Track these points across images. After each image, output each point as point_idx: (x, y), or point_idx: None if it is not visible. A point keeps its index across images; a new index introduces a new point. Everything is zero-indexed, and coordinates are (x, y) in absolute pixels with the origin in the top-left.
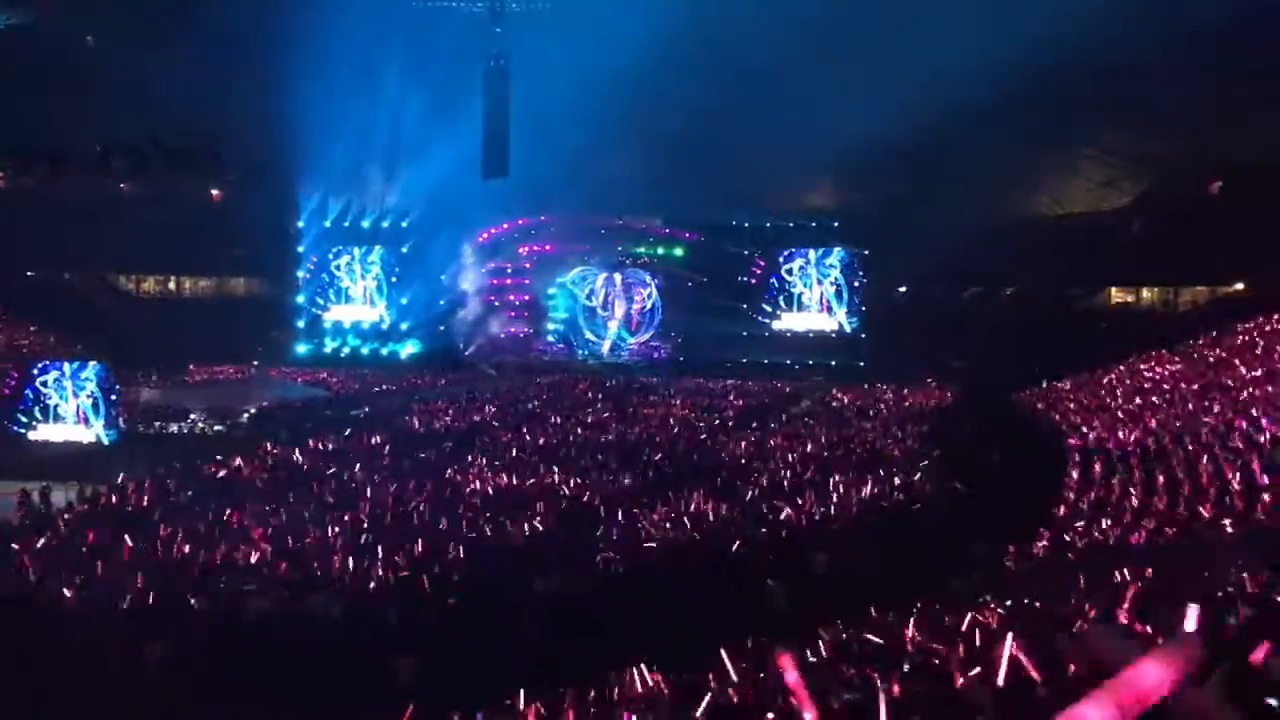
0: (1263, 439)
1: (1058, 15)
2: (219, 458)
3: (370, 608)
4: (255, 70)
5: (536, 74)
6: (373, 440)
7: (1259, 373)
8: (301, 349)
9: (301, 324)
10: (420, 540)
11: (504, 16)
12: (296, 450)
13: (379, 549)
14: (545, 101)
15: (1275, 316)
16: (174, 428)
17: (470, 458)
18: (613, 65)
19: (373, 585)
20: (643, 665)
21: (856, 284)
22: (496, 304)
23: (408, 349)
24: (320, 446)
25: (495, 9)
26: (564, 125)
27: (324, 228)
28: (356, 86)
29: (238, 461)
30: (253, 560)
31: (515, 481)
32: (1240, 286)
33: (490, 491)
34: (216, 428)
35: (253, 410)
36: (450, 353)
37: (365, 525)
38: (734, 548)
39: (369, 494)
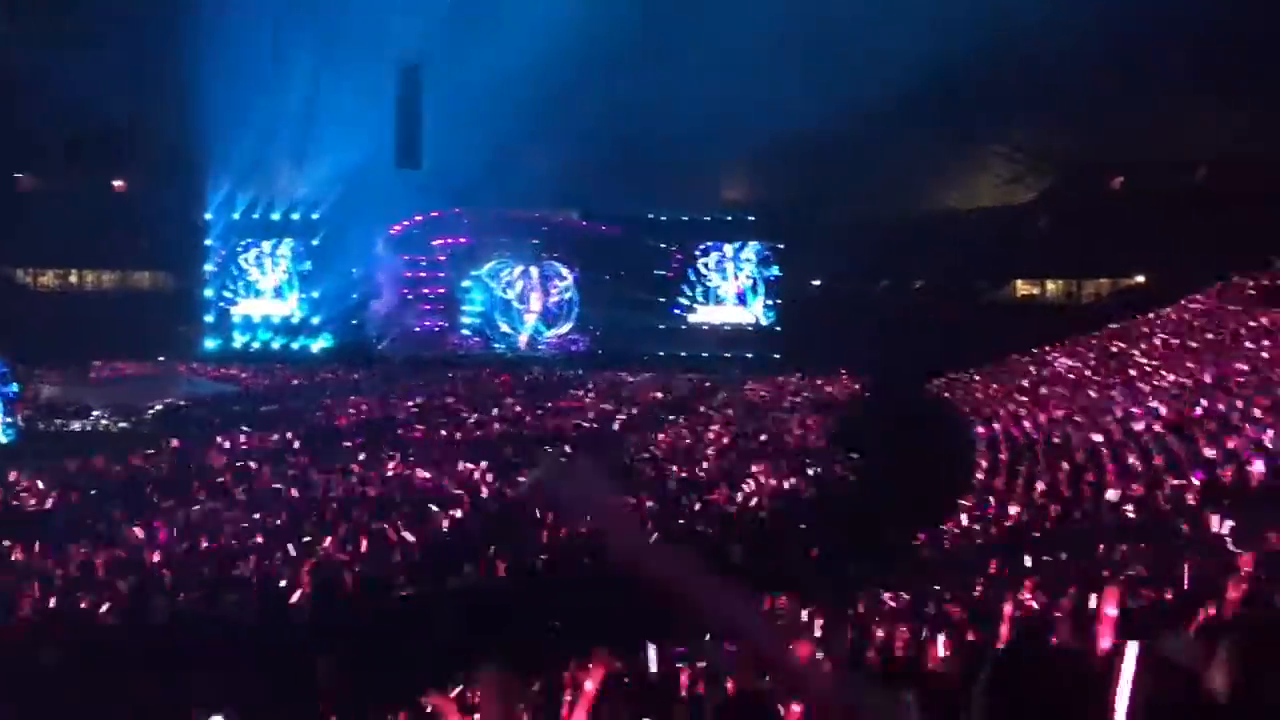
0: (1159, 426)
1: (966, 14)
2: (124, 455)
3: (285, 607)
4: (162, 61)
5: (451, 64)
6: (284, 436)
7: (1158, 362)
8: (210, 344)
9: (210, 318)
10: (334, 538)
11: (417, 6)
12: (205, 447)
13: (292, 547)
14: (460, 92)
15: (1173, 307)
16: (76, 425)
17: (385, 453)
18: (529, 57)
19: (285, 584)
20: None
21: (771, 278)
22: (410, 297)
23: (319, 343)
24: (230, 443)
25: (409, 1)
26: (479, 117)
27: (232, 220)
28: (266, 77)
29: (144, 459)
30: (159, 561)
31: (431, 477)
32: (1141, 279)
33: (405, 487)
34: (121, 425)
35: (159, 407)
36: (363, 347)
37: (278, 523)
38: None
39: (281, 492)
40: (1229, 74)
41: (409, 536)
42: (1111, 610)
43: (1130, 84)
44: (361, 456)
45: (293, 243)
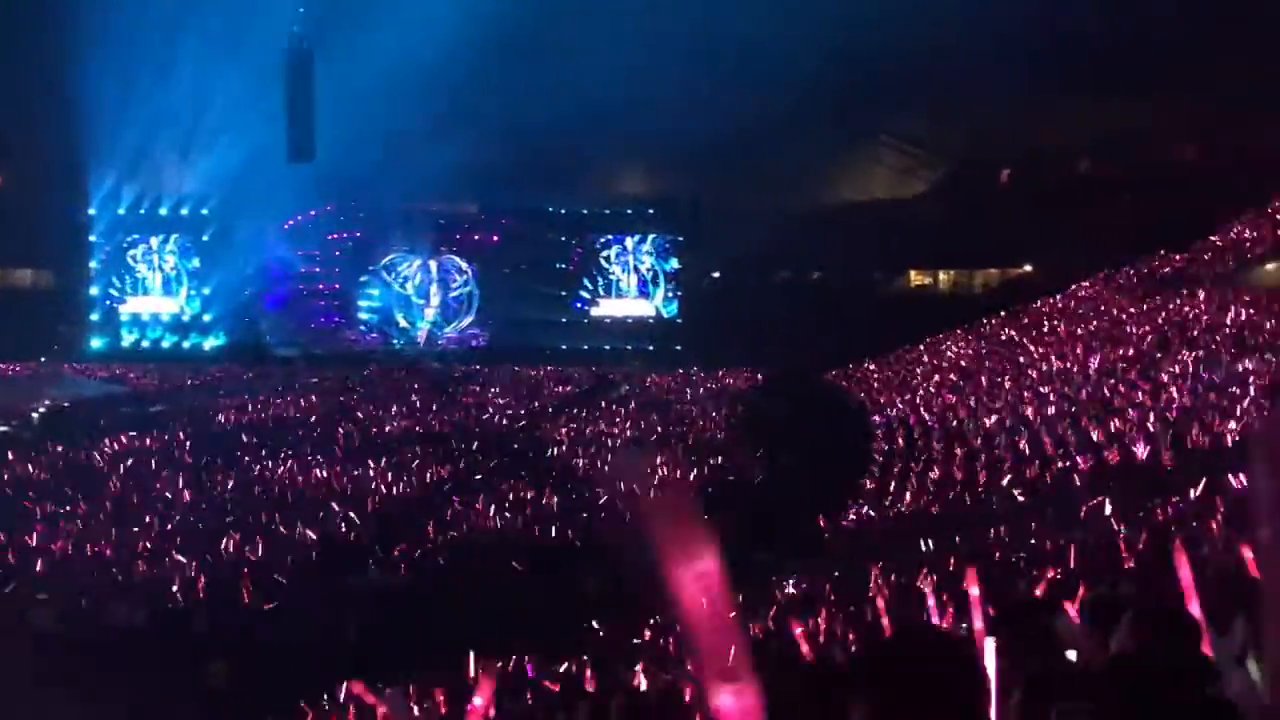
0: (1050, 410)
1: (860, 9)
2: (5, 460)
3: (176, 613)
4: (40, 51)
5: (345, 55)
6: (175, 438)
7: (1045, 348)
8: (96, 343)
9: (95, 317)
10: (228, 540)
11: None
12: (92, 450)
13: (184, 552)
14: (354, 84)
15: (1061, 296)
16: None
17: (281, 453)
18: (425, 47)
19: (177, 589)
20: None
21: (671, 270)
22: (305, 293)
23: (211, 341)
24: (118, 446)
25: None
26: (375, 108)
27: (118, 215)
28: (151, 68)
29: (27, 463)
30: (45, 568)
31: (329, 476)
32: (1028, 268)
33: (302, 487)
34: (2, 429)
35: (43, 409)
36: (257, 345)
37: (169, 527)
38: (557, 536)
39: (172, 495)
40: (1110, 67)
41: (308, 537)
42: (974, 590)
43: (1016, 77)
44: (258, 457)
45: (181, 238)
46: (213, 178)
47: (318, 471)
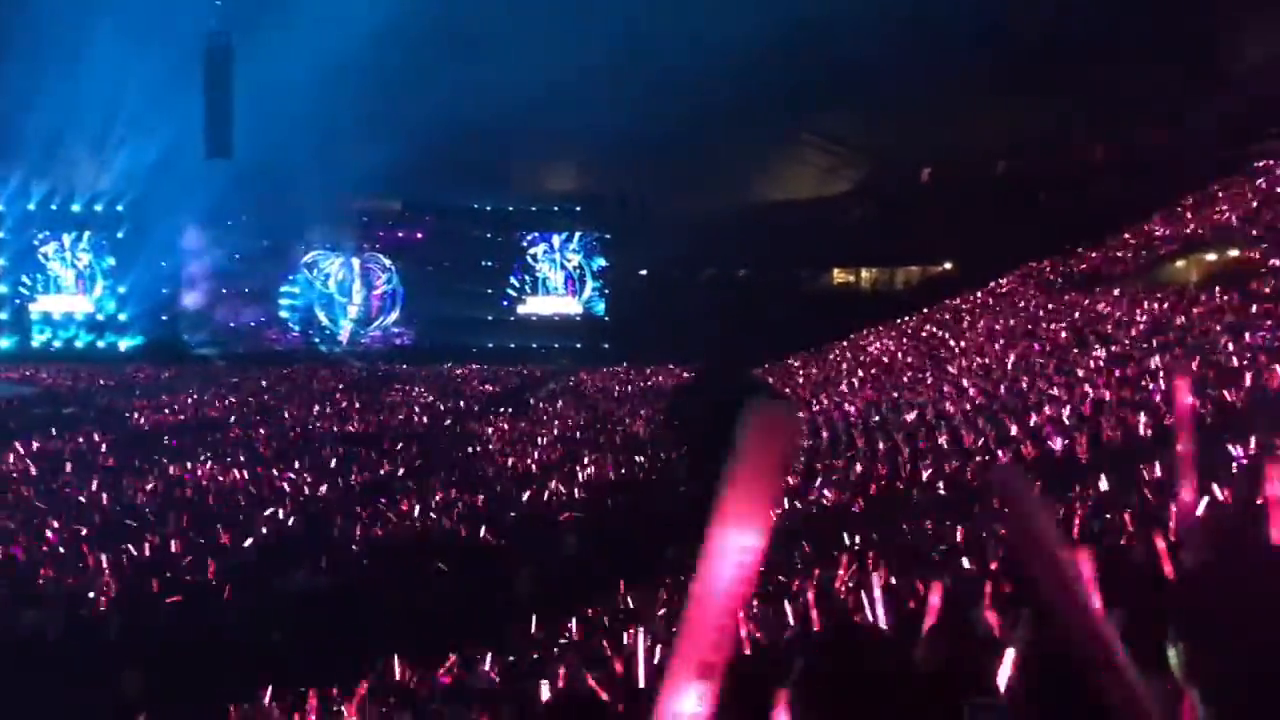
0: (969, 406)
1: (784, 11)
2: None
3: (91, 621)
4: None
5: (266, 51)
6: (91, 440)
7: (966, 345)
8: (5, 343)
9: (4, 316)
10: (145, 545)
11: None
12: (3, 453)
13: (99, 557)
14: (276, 80)
15: (979, 293)
16: None
17: (200, 455)
18: (349, 44)
19: (93, 596)
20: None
21: (599, 268)
22: (225, 292)
23: (127, 341)
24: (30, 448)
25: None
26: (297, 104)
27: (27, 211)
28: (62, 62)
29: None
30: None
31: (250, 478)
32: (949, 266)
33: (223, 490)
34: None
35: None
36: (175, 344)
37: (83, 533)
38: (483, 534)
39: (86, 498)
40: (1027, 68)
41: (228, 540)
42: (935, 599)
43: (936, 79)
44: (176, 459)
45: (95, 236)
46: (128, 174)
47: (238, 473)
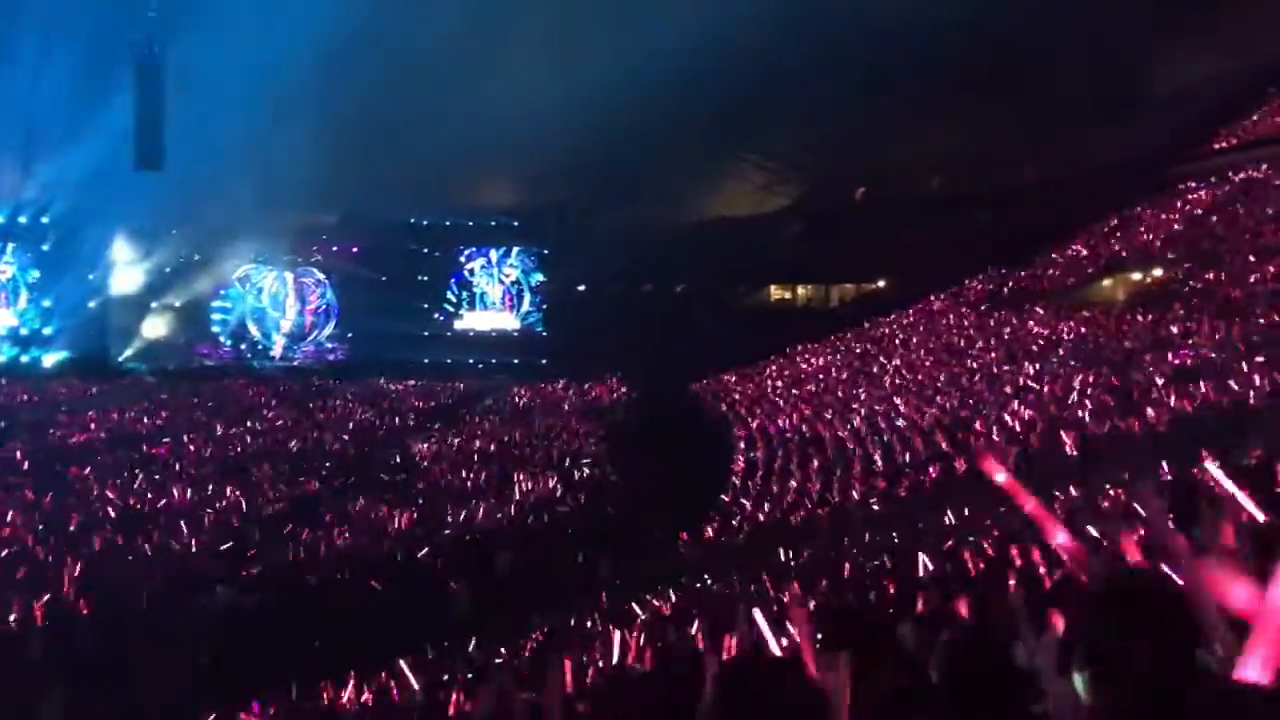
0: (903, 424)
1: (722, 28)
2: None
3: (11, 640)
4: None
5: (199, 61)
6: (14, 456)
7: (899, 361)
8: None
9: None
10: (71, 564)
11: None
12: None
13: (19, 576)
14: (210, 90)
15: (913, 310)
16: None
17: (128, 471)
18: (285, 55)
19: (14, 618)
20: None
21: (536, 283)
22: (155, 305)
23: (53, 356)
24: None
25: None
26: (230, 115)
27: None
28: None
29: None
30: None
31: (178, 496)
32: (882, 284)
33: (149, 507)
34: None
35: None
36: (102, 359)
37: (4, 553)
38: (418, 553)
39: (8, 516)
40: (959, 90)
41: (157, 558)
42: (802, 627)
43: (870, 99)
44: (103, 476)
45: (19, 248)
46: (55, 185)
47: (166, 490)
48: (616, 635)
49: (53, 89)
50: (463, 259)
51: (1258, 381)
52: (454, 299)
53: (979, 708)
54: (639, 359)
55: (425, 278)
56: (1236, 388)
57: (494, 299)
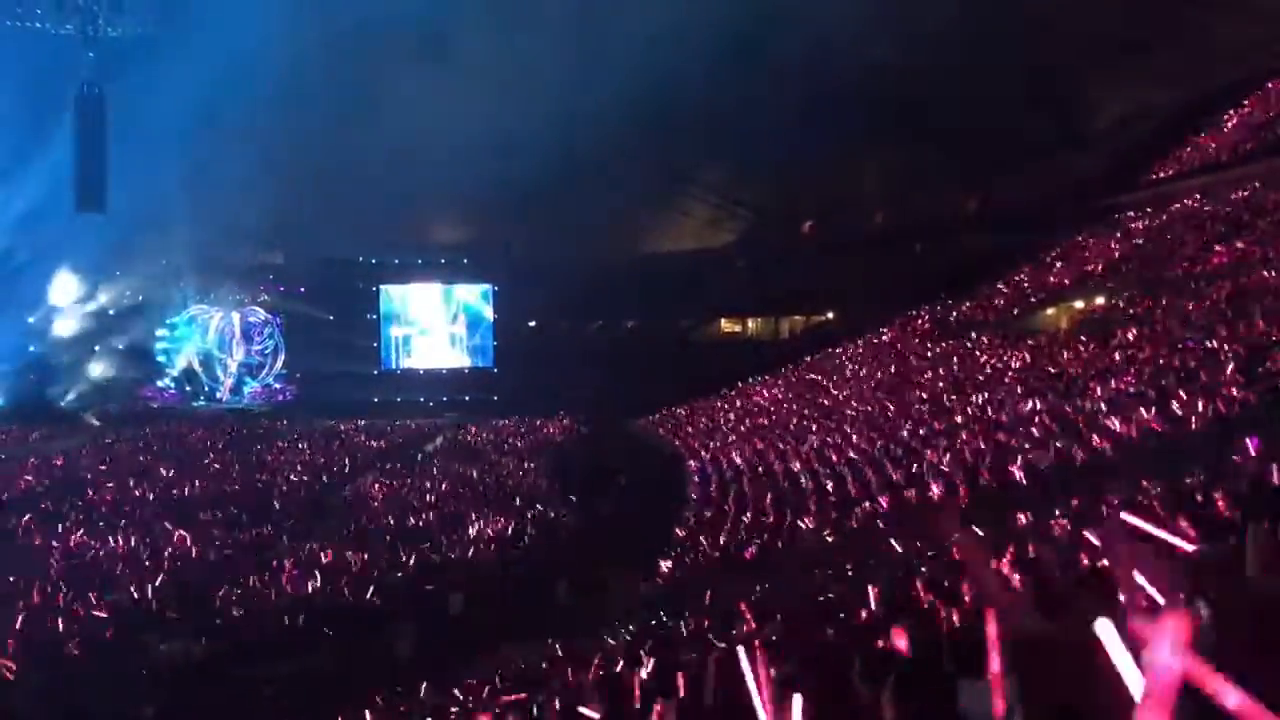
0: (852, 453)
1: (666, 60)
2: None
3: None
4: None
5: (139, 103)
6: None
7: (848, 392)
8: None
9: None
10: (14, 616)
11: (98, 41)
12: None
13: None
14: (150, 131)
15: (859, 342)
16: None
17: (68, 519)
18: (228, 94)
19: None
20: None
21: (486, 320)
22: (98, 348)
23: None
24: None
25: (88, 34)
26: (173, 157)
27: None
28: None
29: None
30: None
31: (122, 542)
32: (830, 315)
33: (92, 555)
34: None
35: None
36: (42, 402)
37: None
38: (368, 595)
39: None
40: (901, 124)
41: (100, 608)
42: (759, 672)
43: (814, 134)
44: (41, 523)
45: None
46: None
47: (109, 537)
48: (570, 675)
49: None
50: (411, 296)
51: (1200, 407)
52: (402, 337)
53: None
54: (590, 394)
55: (373, 316)
56: (1180, 413)
57: (443, 336)
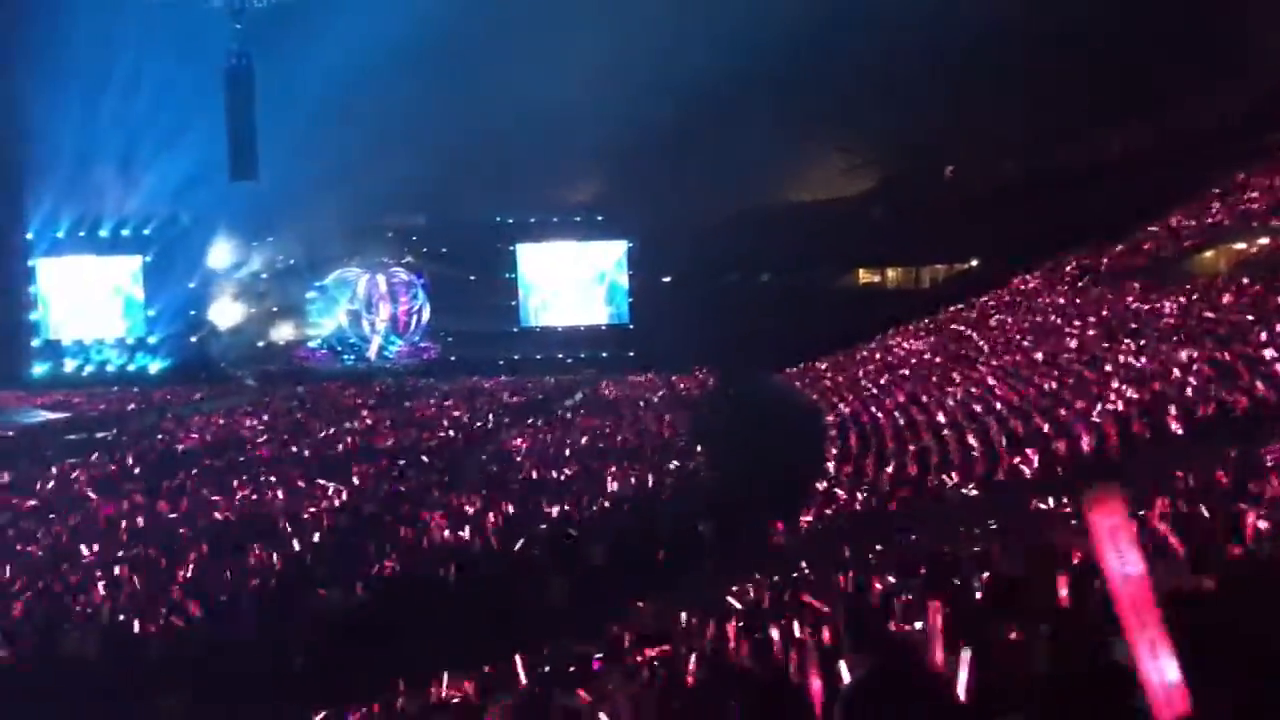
0: (999, 406)
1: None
2: None
3: (130, 643)
4: None
5: (286, 72)
6: (124, 462)
7: (992, 342)
8: (38, 370)
9: (36, 343)
10: (185, 566)
11: (245, 13)
12: (37, 480)
13: (137, 580)
14: (298, 100)
15: (1006, 289)
16: None
17: (233, 474)
18: (365, 61)
19: (133, 618)
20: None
21: (623, 276)
22: (253, 311)
23: (157, 364)
24: (66, 473)
25: (234, 6)
26: (319, 124)
27: (56, 238)
28: (90, 89)
29: None
30: None
31: (284, 496)
32: (974, 263)
33: (257, 507)
34: None
35: None
36: (204, 364)
37: (121, 555)
38: (516, 547)
39: (124, 521)
40: (1047, 62)
41: (266, 559)
42: (938, 623)
43: (955, 75)
44: (210, 479)
45: (125, 259)
46: (156, 198)
47: (272, 491)
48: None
49: (152, 105)
50: (548, 254)
51: None
52: (541, 295)
53: (1080, 703)
54: (727, 349)
55: (511, 275)
56: None
57: (580, 293)
